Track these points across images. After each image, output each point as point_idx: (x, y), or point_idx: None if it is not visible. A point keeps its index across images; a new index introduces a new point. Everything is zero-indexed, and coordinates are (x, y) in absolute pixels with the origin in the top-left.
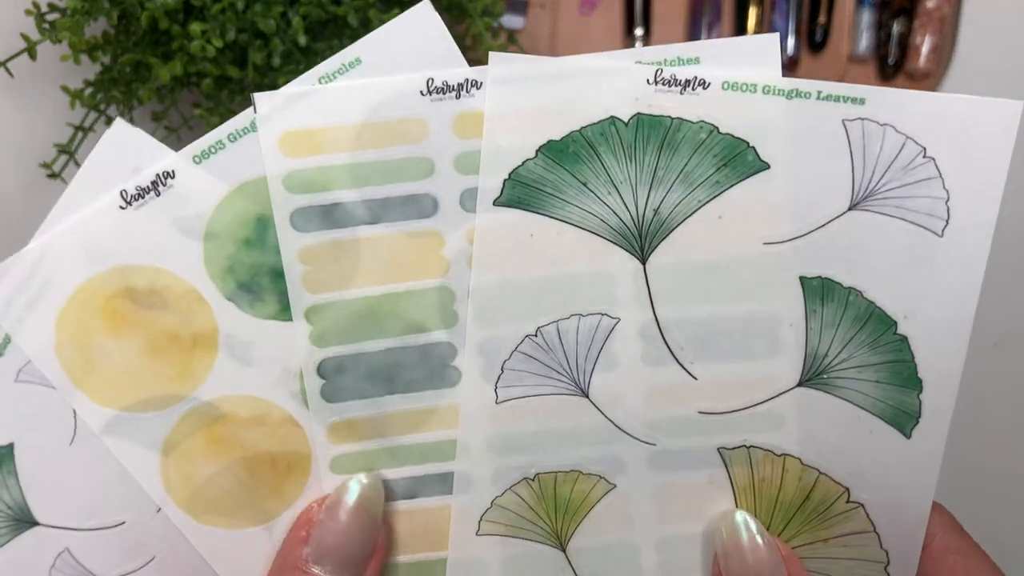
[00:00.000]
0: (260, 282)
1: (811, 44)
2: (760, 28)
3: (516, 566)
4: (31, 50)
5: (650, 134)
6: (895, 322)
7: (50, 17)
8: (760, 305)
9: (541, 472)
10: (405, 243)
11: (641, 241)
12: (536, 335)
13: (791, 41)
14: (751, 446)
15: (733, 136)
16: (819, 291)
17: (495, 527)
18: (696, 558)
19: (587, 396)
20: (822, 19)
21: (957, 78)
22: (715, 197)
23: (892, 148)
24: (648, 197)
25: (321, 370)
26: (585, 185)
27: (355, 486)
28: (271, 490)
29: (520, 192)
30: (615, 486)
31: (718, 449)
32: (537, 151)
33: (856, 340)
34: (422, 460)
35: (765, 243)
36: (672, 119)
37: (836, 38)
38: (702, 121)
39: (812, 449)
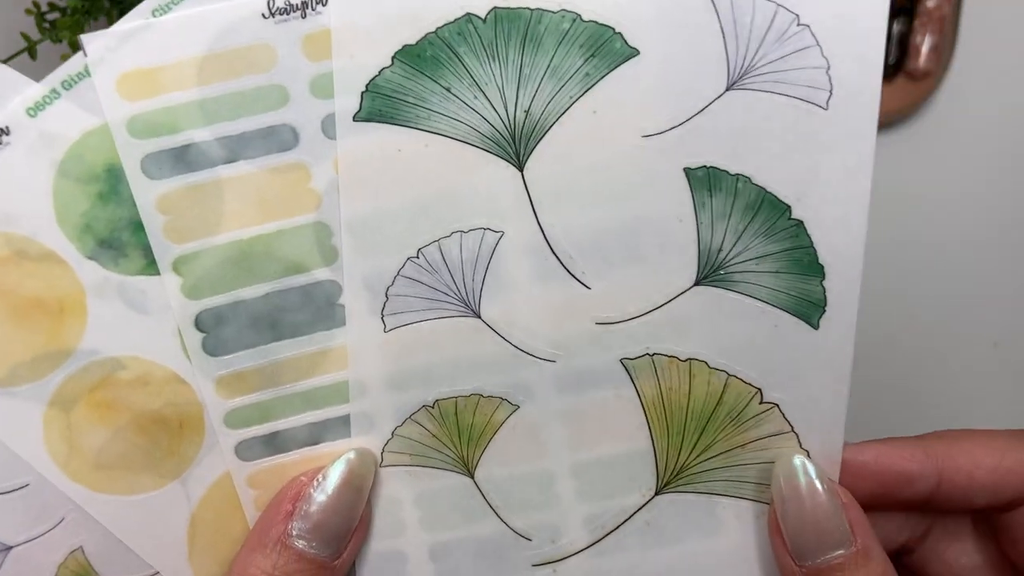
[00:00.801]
0: (121, 237)
1: None
2: None
3: (426, 498)
4: (31, 49)
5: (510, 29)
6: (788, 206)
7: (50, 16)
8: (646, 203)
9: (440, 399)
10: (269, 179)
11: (516, 146)
12: (418, 256)
13: None
14: (654, 353)
15: (597, 23)
16: (705, 181)
17: (399, 457)
18: (617, 482)
19: (479, 316)
20: None
21: (957, 77)
22: (587, 91)
23: (764, 18)
24: (517, 98)
25: (199, 323)
26: (448, 91)
27: (344, 462)
28: (167, 451)
29: (380, 104)
30: (518, 407)
31: (620, 360)
32: (393, 58)
33: (750, 230)
34: (322, 404)
35: (644, 135)
36: (531, 10)
37: None
38: (563, 9)
39: (718, 350)
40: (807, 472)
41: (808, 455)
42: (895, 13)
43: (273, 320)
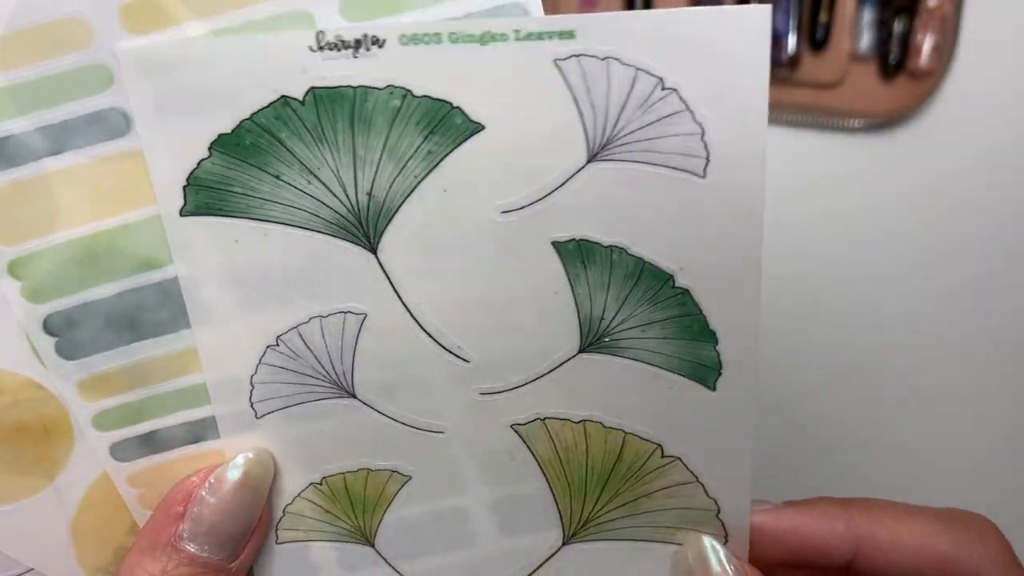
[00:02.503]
0: None
1: (812, 42)
2: None
3: (328, 564)
4: None
5: (334, 109)
6: (671, 275)
7: None
8: (515, 277)
9: (327, 476)
10: (103, 170)
11: (365, 228)
12: (277, 344)
13: (792, 39)
14: (545, 418)
15: (431, 98)
16: (577, 254)
17: (294, 534)
18: (523, 537)
19: (355, 396)
20: (823, 17)
21: (959, 77)
22: (432, 169)
23: (621, 84)
24: (356, 180)
25: (48, 327)
26: (278, 178)
27: (240, 461)
28: (34, 458)
29: (206, 197)
30: (410, 477)
31: (511, 426)
32: (210, 148)
33: (632, 298)
34: (199, 403)
35: (503, 212)
36: (355, 88)
37: (837, 36)
38: (391, 86)
39: (612, 412)
40: (717, 554)
41: (717, 504)
42: (896, 12)
43: (131, 319)
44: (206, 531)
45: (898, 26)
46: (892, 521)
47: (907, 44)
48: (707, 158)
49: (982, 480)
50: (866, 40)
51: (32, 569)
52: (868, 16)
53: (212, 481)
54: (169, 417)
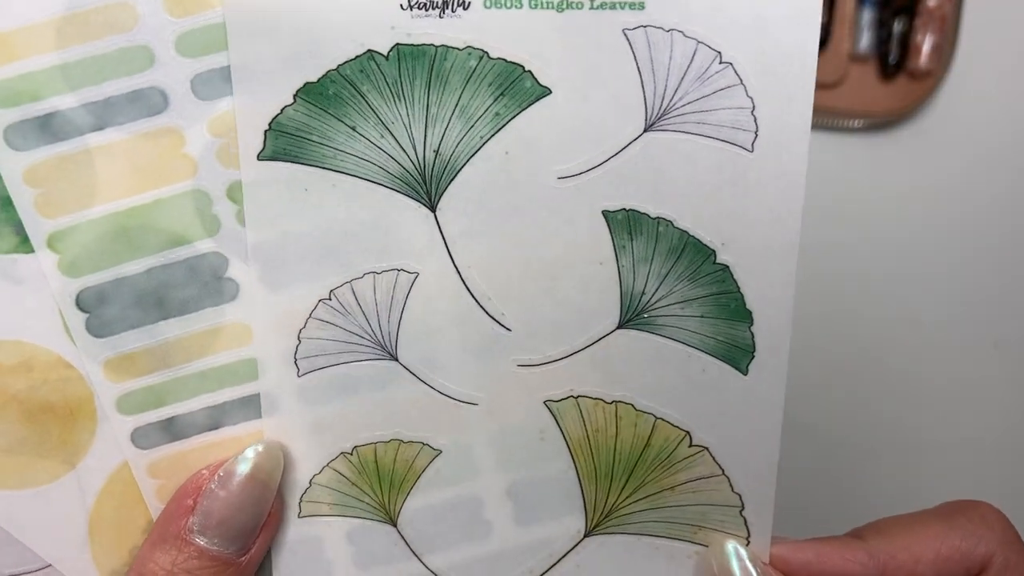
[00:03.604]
0: None
1: None
2: None
3: (347, 546)
4: None
5: (415, 66)
6: (713, 251)
7: None
8: (564, 245)
9: (359, 445)
10: (141, 146)
11: (427, 186)
12: (330, 298)
13: None
14: (579, 395)
15: (505, 60)
16: (625, 224)
17: (317, 507)
18: (545, 526)
19: (397, 359)
20: (823, 17)
21: (958, 77)
22: (498, 131)
23: (683, 56)
24: (426, 137)
25: (81, 302)
26: (354, 129)
27: (250, 454)
28: (58, 441)
29: (284, 143)
30: (440, 452)
31: (544, 402)
32: (295, 96)
33: (673, 274)
34: (219, 386)
35: (560, 177)
36: (436, 47)
37: (837, 36)
38: (469, 47)
39: (645, 393)
40: (740, 558)
41: (741, 499)
42: (896, 12)
43: (159, 297)
44: (215, 524)
45: (898, 26)
46: (906, 537)
47: (907, 44)
48: (756, 132)
49: (982, 479)
50: (866, 40)
51: (49, 566)
52: (868, 16)
53: (221, 474)
54: (190, 401)
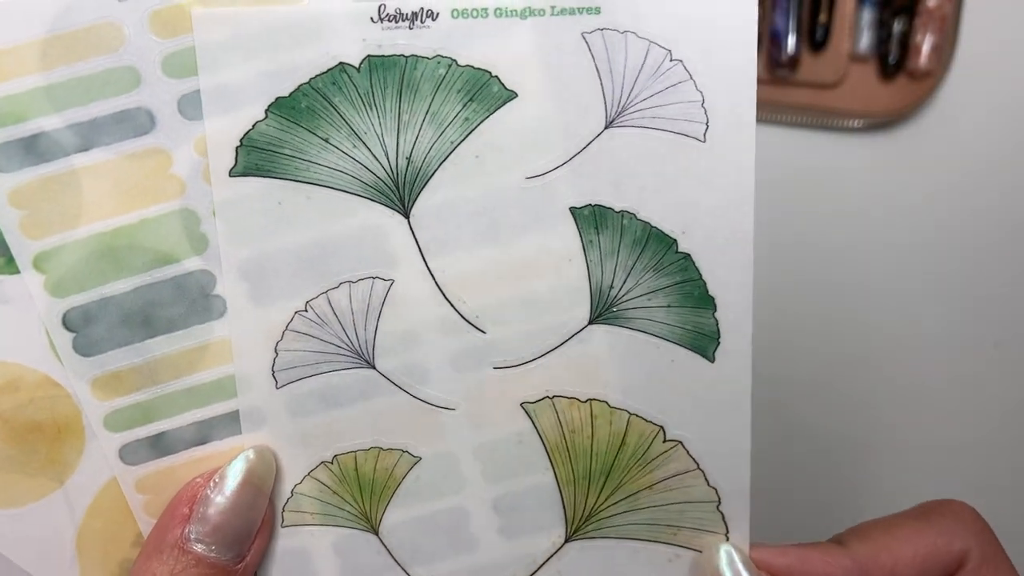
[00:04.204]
0: None
1: (812, 43)
2: (760, 26)
3: (331, 555)
4: None
5: (386, 77)
6: (674, 240)
7: None
8: (534, 244)
9: (339, 453)
10: (128, 166)
11: (400, 193)
12: (306, 310)
13: (792, 39)
14: (554, 396)
15: (473, 67)
16: (592, 220)
17: (300, 516)
18: (526, 531)
19: (374, 367)
20: (823, 18)
21: (958, 77)
22: (468, 135)
23: (637, 56)
24: (398, 145)
25: (67, 322)
26: (327, 141)
27: (242, 460)
28: (46, 459)
29: (257, 159)
30: (420, 459)
31: (521, 405)
32: (267, 111)
33: (639, 265)
34: (206, 401)
35: (527, 177)
36: (406, 57)
37: (837, 37)
38: (438, 55)
39: (618, 389)
40: (733, 562)
41: (718, 493)
42: (896, 12)
43: (146, 315)
44: (212, 531)
45: (898, 26)
46: (885, 539)
47: (907, 44)
48: (707, 123)
49: (982, 479)
50: (866, 40)
51: None
52: (868, 16)
53: (216, 480)
54: (178, 417)
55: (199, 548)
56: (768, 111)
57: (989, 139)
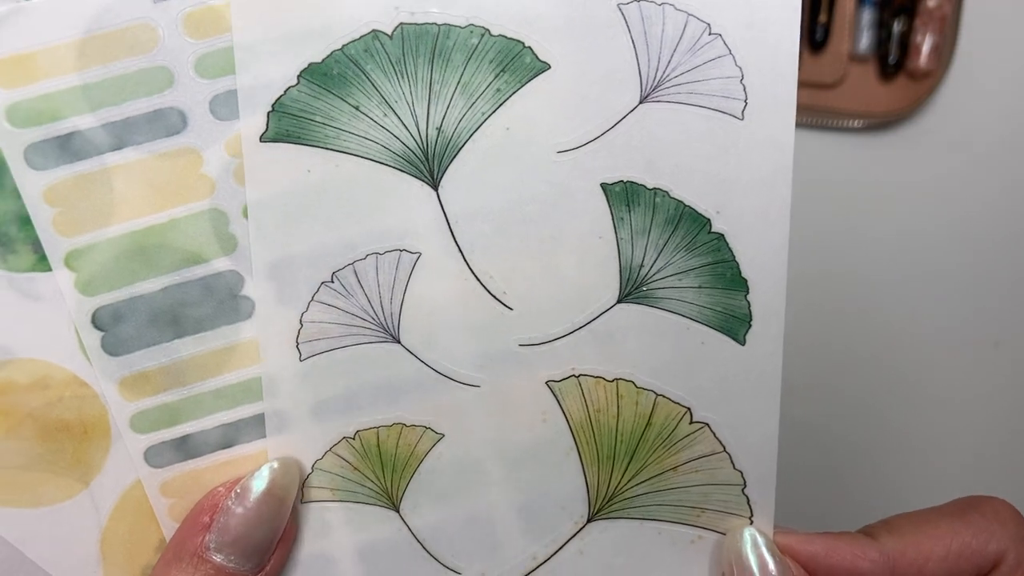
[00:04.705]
0: (8, 232)
1: (812, 43)
2: None
3: (349, 531)
4: None
5: (418, 45)
6: (708, 219)
7: None
8: (564, 220)
9: (361, 429)
10: (159, 166)
11: (430, 165)
12: (332, 281)
13: None
14: (580, 374)
15: (506, 37)
16: (623, 196)
17: (320, 492)
18: (548, 510)
19: (399, 341)
20: (823, 18)
21: (958, 77)
22: (499, 107)
23: (674, 29)
24: (428, 115)
25: (97, 321)
26: (357, 109)
27: (265, 471)
28: (72, 459)
29: (287, 124)
30: (443, 436)
31: (546, 383)
32: (299, 76)
33: (671, 244)
34: (232, 404)
35: (559, 151)
36: (439, 26)
37: (837, 37)
38: (471, 24)
39: (645, 369)
40: (757, 545)
41: (744, 477)
42: (895, 12)
43: (174, 315)
44: (232, 541)
45: (897, 27)
46: (917, 534)
47: (906, 44)
48: (745, 100)
49: (982, 479)
50: (865, 41)
51: None
52: (867, 17)
53: (238, 491)
54: (204, 419)
55: (218, 558)
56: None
57: (989, 139)
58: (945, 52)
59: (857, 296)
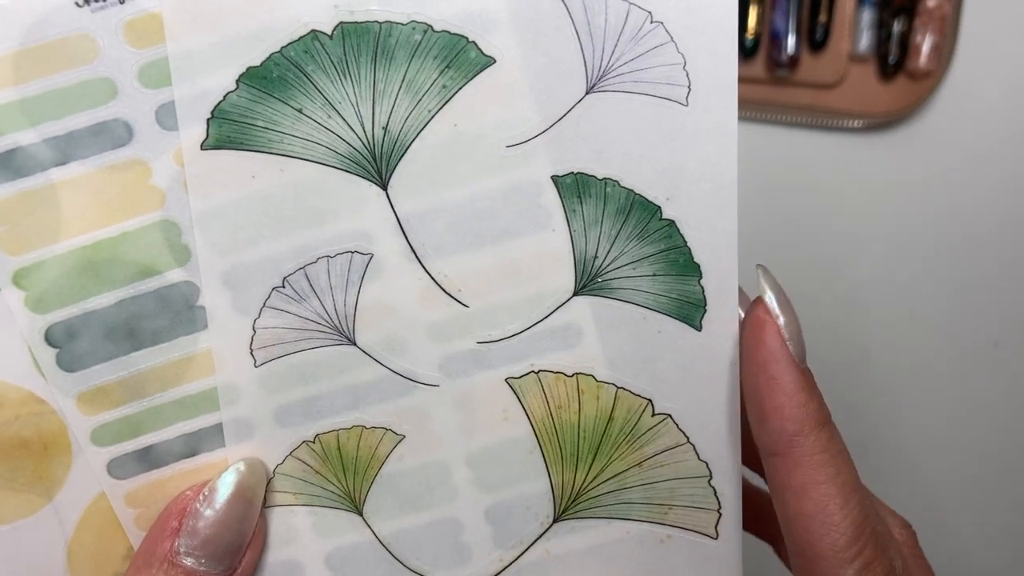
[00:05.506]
0: None
1: (812, 43)
2: (760, 27)
3: (313, 535)
4: None
5: (360, 44)
6: (658, 207)
7: None
8: (516, 214)
9: (321, 433)
10: (107, 179)
11: (377, 164)
12: (284, 286)
13: (791, 40)
14: (540, 371)
15: (449, 32)
16: (574, 188)
17: (283, 497)
18: (514, 512)
19: (355, 343)
20: (823, 18)
21: (958, 77)
22: (445, 103)
23: (617, 18)
24: (374, 115)
25: (50, 338)
26: (300, 112)
27: (232, 473)
28: (33, 475)
29: (229, 131)
30: (403, 437)
31: (506, 380)
32: (238, 81)
33: (623, 234)
34: (193, 413)
35: (508, 146)
36: (380, 24)
37: (837, 37)
38: (413, 21)
39: (604, 362)
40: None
41: (709, 468)
42: (895, 12)
43: (130, 329)
44: (201, 544)
45: (897, 26)
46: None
47: (906, 44)
48: (689, 86)
49: (982, 480)
50: (865, 40)
51: None
52: (867, 16)
53: (206, 493)
54: (166, 430)
55: (188, 562)
56: (768, 111)
57: (989, 139)
58: (945, 52)
59: (857, 296)
